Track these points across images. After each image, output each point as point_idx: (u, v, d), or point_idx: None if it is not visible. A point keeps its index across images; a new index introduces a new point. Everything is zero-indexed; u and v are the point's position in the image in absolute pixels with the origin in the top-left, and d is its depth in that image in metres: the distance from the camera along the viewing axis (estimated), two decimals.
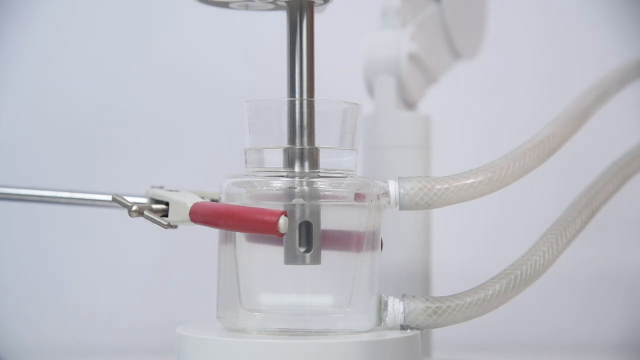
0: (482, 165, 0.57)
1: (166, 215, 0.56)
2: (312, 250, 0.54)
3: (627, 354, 0.99)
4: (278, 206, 0.53)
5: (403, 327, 0.56)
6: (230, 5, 0.59)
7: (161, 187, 0.59)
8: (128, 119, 1.03)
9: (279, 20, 0.58)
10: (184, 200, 0.55)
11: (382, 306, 0.55)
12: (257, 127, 0.56)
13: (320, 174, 0.55)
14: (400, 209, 0.56)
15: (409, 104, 0.79)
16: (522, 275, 0.56)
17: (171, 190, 0.58)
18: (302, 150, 0.55)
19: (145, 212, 0.55)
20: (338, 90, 0.63)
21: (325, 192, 0.54)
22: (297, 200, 0.53)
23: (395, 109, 0.77)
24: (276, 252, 0.54)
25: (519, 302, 0.59)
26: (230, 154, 0.74)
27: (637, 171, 0.64)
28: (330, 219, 0.54)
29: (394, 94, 0.77)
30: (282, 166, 0.55)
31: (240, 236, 0.54)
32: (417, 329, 0.56)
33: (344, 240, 0.54)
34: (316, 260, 0.54)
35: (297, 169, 0.55)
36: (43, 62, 1.05)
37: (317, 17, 0.57)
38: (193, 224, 0.55)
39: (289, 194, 0.54)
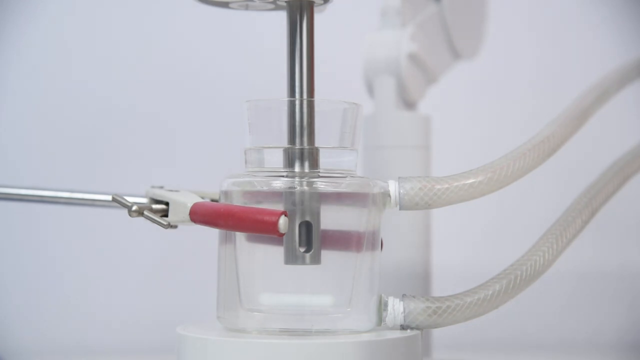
0: (482, 165, 0.57)
1: (166, 215, 0.56)
2: (312, 250, 0.54)
3: (627, 354, 0.99)
4: (278, 206, 0.53)
5: (403, 327, 0.56)
6: (230, 5, 0.59)
7: (161, 187, 0.59)
8: (128, 119, 1.03)
9: (279, 20, 0.58)
10: (184, 200, 0.55)
11: (382, 306, 0.55)
12: (257, 127, 0.56)
13: (320, 174, 0.55)
14: (400, 209, 0.56)
15: (409, 104, 0.79)
16: (522, 275, 0.56)
17: (171, 190, 0.58)
18: (302, 150, 0.55)
19: (145, 212, 0.55)
20: (338, 90, 0.63)
21: (325, 192, 0.54)
22: (297, 200, 0.53)
23: (395, 109, 0.77)
24: (276, 252, 0.54)
25: (519, 302, 0.59)
26: (230, 154, 0.74)
27: (637, 171, 0.64)
28: (330, 219, 0.54)
29: (394, 94, 0.77)
30: (282, 166, 0.55)
31: (240, 236, 0.54)
32: (417, 329, 0.56)
33: (344, 240, 0.54)
34: (316, 260, 0.54)
35: (297, 169, 0.55)
36: (43, 62, 1.05)
37: (317, 17, 0.57)
38: (193, 224, 0.55)
39: (289, 194, 0.54)
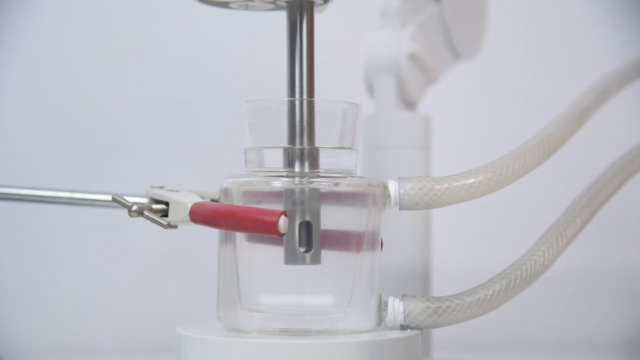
0: (482, 165, 0.57)
1: (166, 215, 0.57)
2: (312, 250, 0.54)
3: (627, 353, 0.99)
4: (278, 206, 0.53)
5: (403, 327, 0.56)
6: (230, 5, 0.59)
7: (161, 187, 0.59)
8: (128, 119, 1.03)
9: (279, 20, 0.58)
10: (184, 200, 0.55)
11: (382, 306, 0.55)
12: (257, 127, 0.56)
13: (320, 174, 0.55)
14: (400, 209, 0.56)
15: (409, 104, 0.79)
16: (522, 275, 0.56)
17: (171, 190, 0.58)
18: (302, 150, 0.55)
19: (145, 212, 0.55)
20: (338, 90, 0.63)
21: (325, 192, 0.54)
22: (297, 200, 0.53)
23: (395, 109, 0.77)
24: (276, 252, 0.54)
25: (519, 302, 0.59)
26: (230, 154, 0.74)
27: (637, 171, 0.64)
28: (330, 219, 0.54)
29: (394, 94, 0.77)
30: (282, 166, 0.55)
31: (240, 236, 0.54)
32: (417, 329, 0.56)
33: (344, 240, 0.54)
34: (316, 260, 0.54)
35: (297, 169, 0.55)
36: (43, 62, 1.05)
37: (317, 17, 0.57)
38: (193, 224, 0.55)
39: (289, 194, 0.54)
